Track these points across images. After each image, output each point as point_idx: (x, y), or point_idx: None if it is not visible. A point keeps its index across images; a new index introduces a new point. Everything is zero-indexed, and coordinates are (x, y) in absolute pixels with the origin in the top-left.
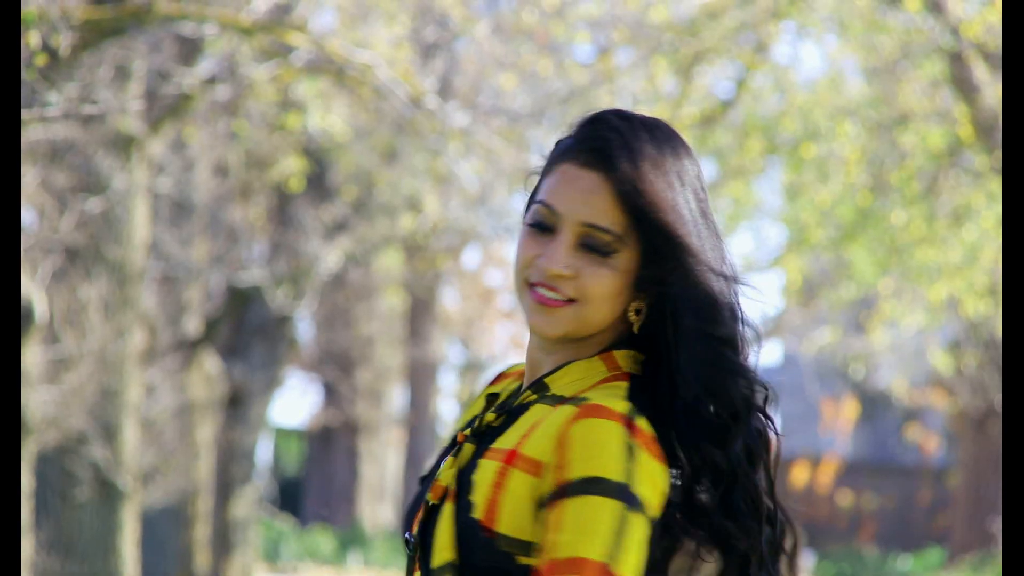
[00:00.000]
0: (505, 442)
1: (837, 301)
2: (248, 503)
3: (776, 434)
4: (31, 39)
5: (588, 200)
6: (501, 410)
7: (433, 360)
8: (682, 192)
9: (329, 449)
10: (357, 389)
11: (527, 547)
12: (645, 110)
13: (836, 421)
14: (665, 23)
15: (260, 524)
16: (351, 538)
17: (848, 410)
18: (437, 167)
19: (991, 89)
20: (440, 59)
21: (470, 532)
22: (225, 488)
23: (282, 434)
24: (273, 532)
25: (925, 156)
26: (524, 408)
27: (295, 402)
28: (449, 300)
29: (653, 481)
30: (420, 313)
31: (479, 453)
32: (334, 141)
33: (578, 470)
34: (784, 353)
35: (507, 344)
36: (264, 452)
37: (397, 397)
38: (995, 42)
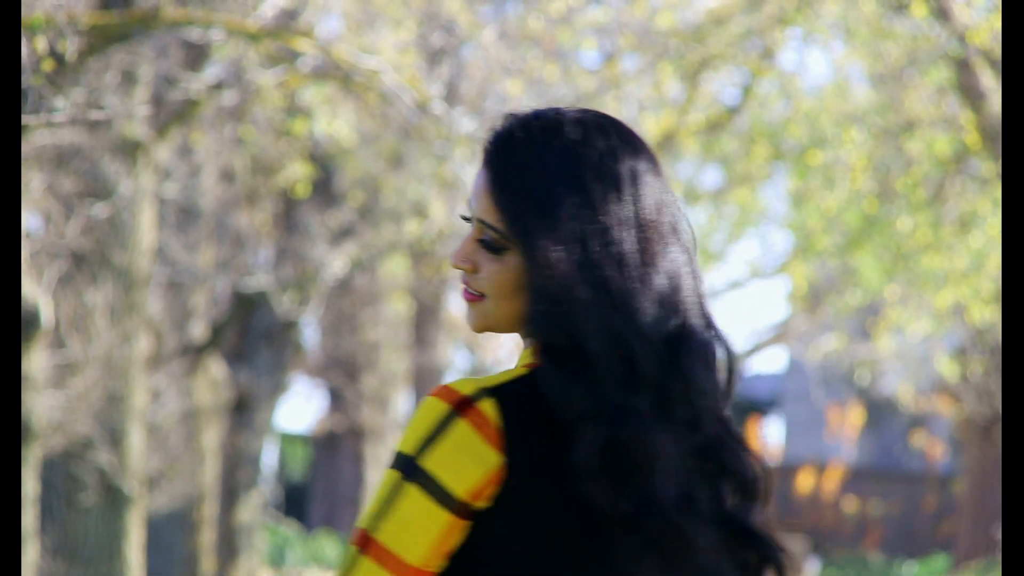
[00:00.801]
0: None
1: (843, 308)
2: (253, 508)
3: (650, 440)
4: (38, 44)
5: (478, 197)
6: None
7: (439, 366)
8: (569, 191)
9: (335, 455)
10: (363, 395)
11: None
12: (651, 116)
13: (842, 427)
14: (671, 29)
15: (265, 529)
16: None
17: (854, 417)
18: (443, 173)
19: (997, 96)
20: (446, 65)
21: None
22: (230, 493)
23: (288, 439)
24: (278, 537)
25: (931, 163)
26: None
27: (301, 407)
28: (455, 306)
29: (459, 461)
30: (426, 319)
31: None
32: (340, 147)
33: (396, 447)
34: (790, 360)
35: (513, 350)
36: (269, 457)
37: (403, 403)
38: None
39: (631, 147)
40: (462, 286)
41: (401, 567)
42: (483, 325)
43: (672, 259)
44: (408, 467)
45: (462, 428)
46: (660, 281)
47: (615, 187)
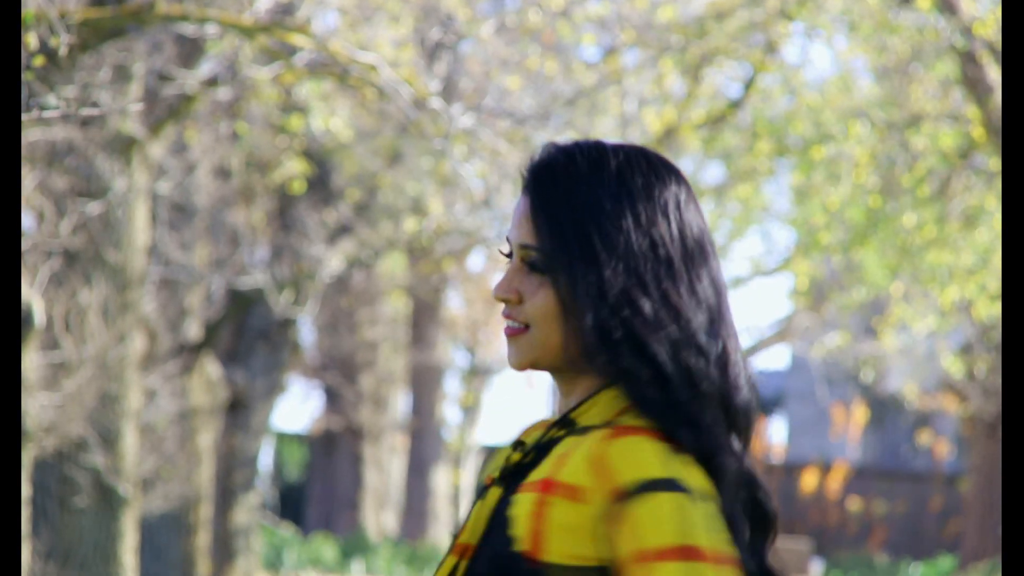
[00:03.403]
0: (538, 475)
1: (847, 304)
2: (249, 510)
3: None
4: (29, 40)
5: (520, 222)
6: (529, 448)
7: (437, 365)
8: (616, 210)
9: (332, 455)
10: (360, 394)
11: (580, 571)
12: (652, 111)
13: (846, 426)
14: (672, 23)
15: (262, 531)
16: (354, 546)
17: (858, 415)
18: (441, 169)
19: None
20: (444, 60)
21: (512, 567)
22: (226, 495)
23: (284, 440)
24: (275, 539)
25: (936, 157)
26: (554, 442)
27: (297, 407)
28: (453, 304)
29: (690, 471)
30: (424, 317)
31: (511, 491)
32: (337, 143)
33: (627, 477)
34: (793, 357)
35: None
36: (266, 458)
37: (401, 402)
38: None
39: (672, 175)
40: (505, 323)
41: (729, 560)
42: (529, 359)
43: (715, 277)
44: (676, 486)
45: (672, 449)
46: (709, 296)
47: (662, 209)
